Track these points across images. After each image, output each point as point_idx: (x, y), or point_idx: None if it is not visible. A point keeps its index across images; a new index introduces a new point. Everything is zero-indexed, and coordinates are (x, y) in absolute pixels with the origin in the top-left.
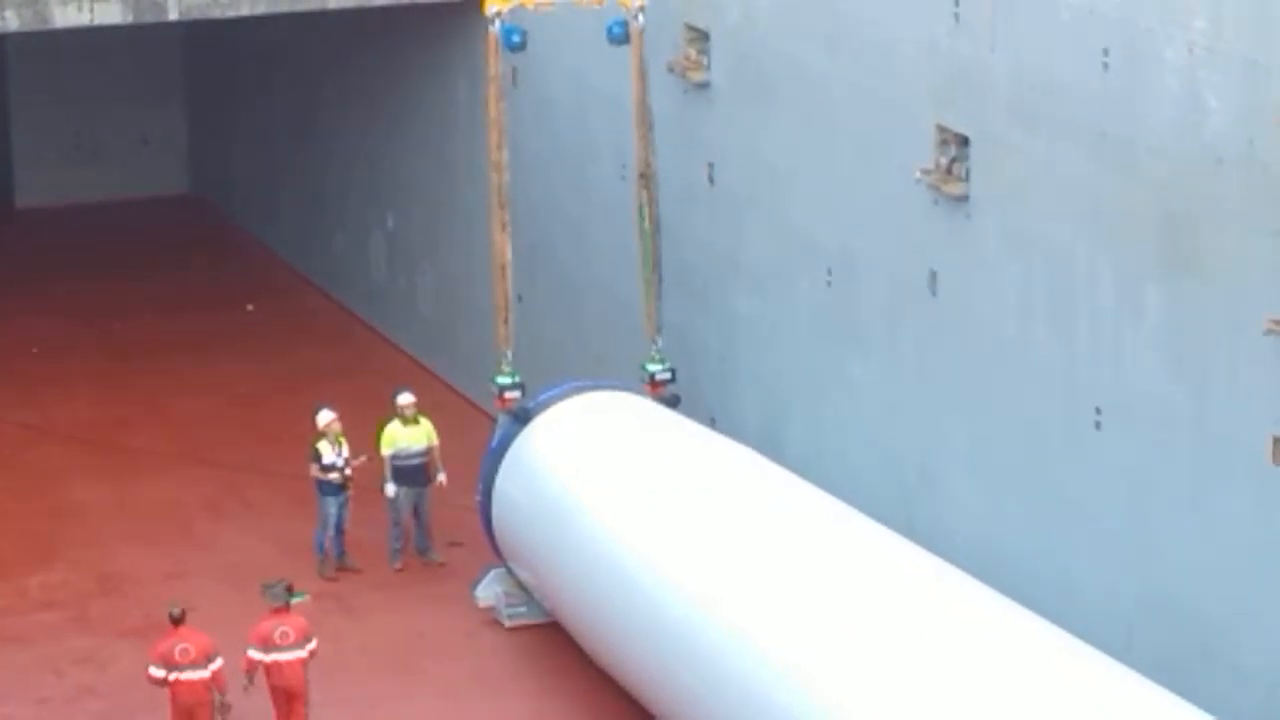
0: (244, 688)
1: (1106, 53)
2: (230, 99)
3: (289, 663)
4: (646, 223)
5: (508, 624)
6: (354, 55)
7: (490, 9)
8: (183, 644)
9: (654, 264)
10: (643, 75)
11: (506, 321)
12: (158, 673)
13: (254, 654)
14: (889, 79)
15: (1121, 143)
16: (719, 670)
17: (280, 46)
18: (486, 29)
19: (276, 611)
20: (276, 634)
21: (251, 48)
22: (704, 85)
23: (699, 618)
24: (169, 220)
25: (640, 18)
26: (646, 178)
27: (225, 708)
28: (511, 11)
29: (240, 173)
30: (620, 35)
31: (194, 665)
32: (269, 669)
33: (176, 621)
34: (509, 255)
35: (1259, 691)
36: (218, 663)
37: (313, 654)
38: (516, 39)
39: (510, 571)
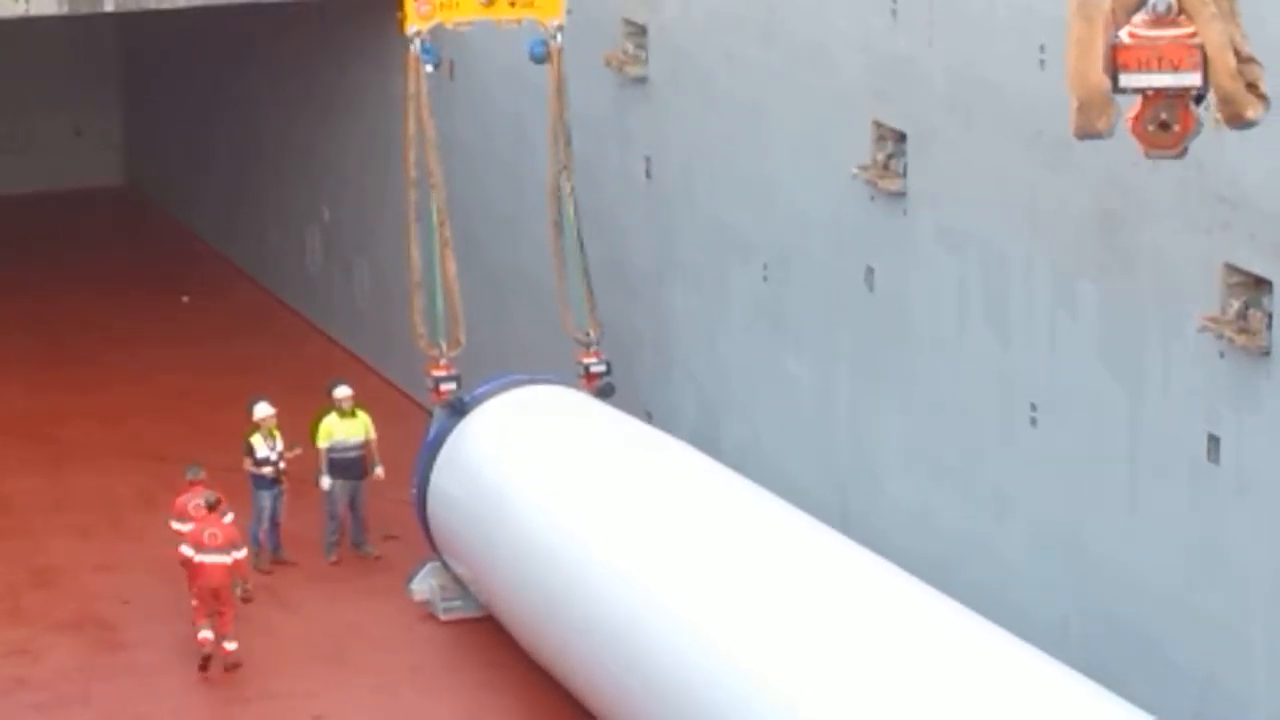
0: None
1: (1043, 49)
2: (166, 90)
3: (212, 566)
4: (573, 235)
5: (443, 617)
6: (288, 47)
7: (410, 28)
8: (211, 529)
9: (583, 272)
10: (561, 94)
11: (458, 323)
12: (187, 552)
13: (185, 550)
14: (826, 74)
15: (1058, 140)
16: (653, 663)
17: (216, 37)
18: (406, 48)
19: (191, 485)
20: (205, 535)
21: (187, 39)
22: (641, 79)
23: (633, 611)
24: (104, 211)
25: (559, 38)
26: (570, 194)
27: (248, 595)
28: (432, 30)
29: (176, 164)
30: (541, 55)
31: (219, 550)
32: (196, 568)
33: (211, 507)
34: (454, 270)
35: (1193, 688)
36: (242, 552)
37: (238, 563)
38: (430, 62)
39: (446, 565)
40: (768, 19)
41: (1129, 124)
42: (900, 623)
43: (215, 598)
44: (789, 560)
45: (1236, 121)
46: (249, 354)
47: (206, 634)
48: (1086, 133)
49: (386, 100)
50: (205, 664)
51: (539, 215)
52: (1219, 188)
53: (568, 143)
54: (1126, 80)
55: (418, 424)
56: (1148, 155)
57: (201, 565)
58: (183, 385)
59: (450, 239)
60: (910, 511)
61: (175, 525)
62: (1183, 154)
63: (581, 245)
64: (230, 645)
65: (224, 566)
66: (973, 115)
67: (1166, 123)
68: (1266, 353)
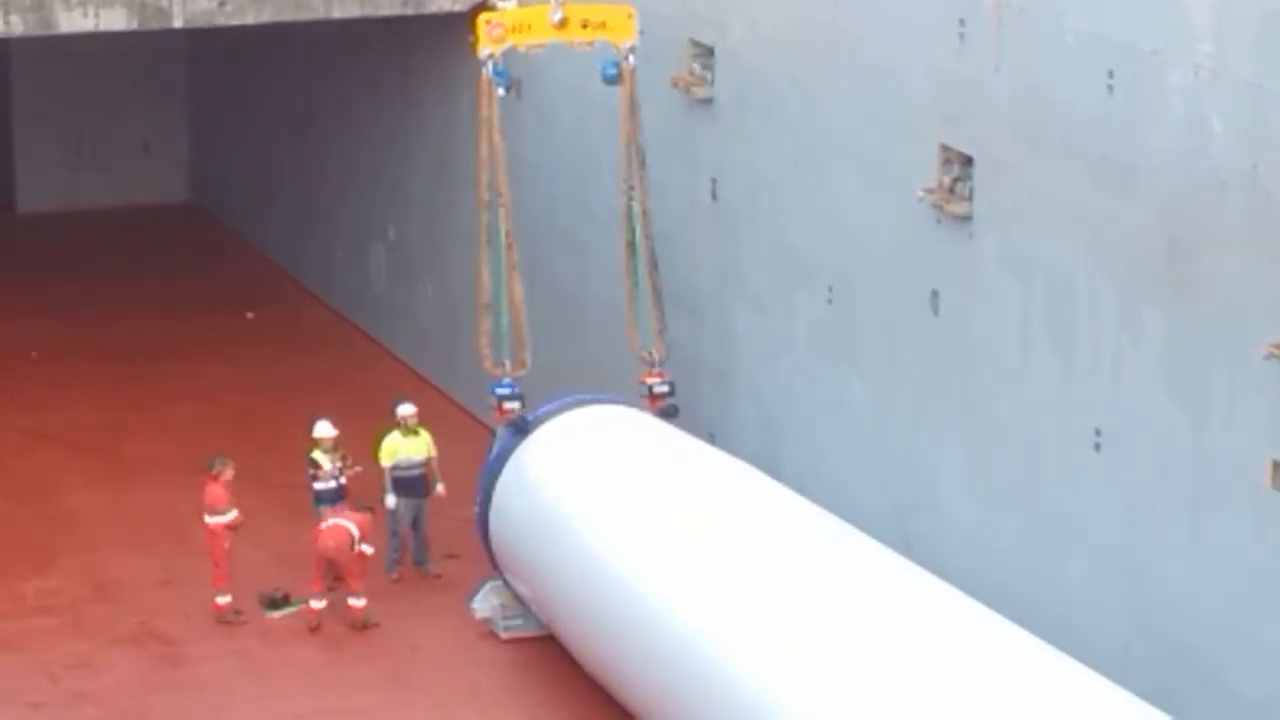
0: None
1: (1111, 75)
2: (233, 107)
3: (329, 528)
4: (641, 256)
5: (503, 636)
6: (356, 65)
7: (483, 51)
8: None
9: (655, 294)
10: (634, 115)
11: (524, 344)
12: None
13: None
14: (893, 98)
15: (1124, 165)
16: (714, 685)
17: (283, 56)
18: (478, 71)
19: (215, 477)
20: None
21: (254, 56)
22: (707, 101)
23: (694, 633)
24: (170, 227)
25: (631, 58)
26: (643, 215)
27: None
28: (503, 53)
29: (242, 181)
30: (614, 76)
31: (339, 515)
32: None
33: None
34: (520, 292)
35: (1254, 717)
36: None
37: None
38: (502, 84)
39: (507, 584)
40: (835, 42)
41: None
42: (961, 647)
43: (334, 560)
44: (850, 583)
45: None
46: (313, 371)
47: (318, 604)
48: None
49: (453, 121)
50: (316, 629)
51: (605, 235)
52: None
53: (641, 164)
54: None
55: (480, 442)
56: None
57: (320, 530)
58: (246, 402)
59: (518, 261)
60: (972, 536)
61: (208, 519)
62: None
63: (655, 266)
64: (358, 602)
65: (343, 528)
66: (1039, 140)
67: None
68: None
